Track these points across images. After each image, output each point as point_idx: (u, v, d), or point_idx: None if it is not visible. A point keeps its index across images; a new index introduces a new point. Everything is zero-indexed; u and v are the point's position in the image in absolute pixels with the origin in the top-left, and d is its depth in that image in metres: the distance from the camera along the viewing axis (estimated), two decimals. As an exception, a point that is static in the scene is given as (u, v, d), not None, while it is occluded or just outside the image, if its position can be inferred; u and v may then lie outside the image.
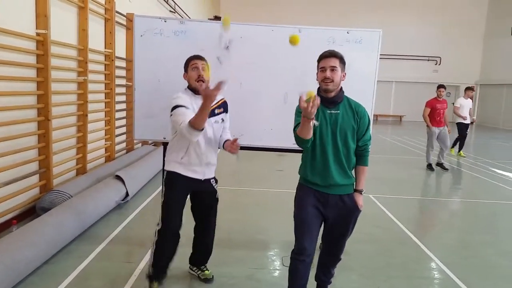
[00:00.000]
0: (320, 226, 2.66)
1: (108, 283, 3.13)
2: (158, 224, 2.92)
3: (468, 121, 9.66)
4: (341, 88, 2.60)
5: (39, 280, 3.13)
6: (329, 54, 2.52)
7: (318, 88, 2.57)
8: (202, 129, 2.61)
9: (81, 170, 5.71)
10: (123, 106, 7.56)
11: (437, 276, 3.58)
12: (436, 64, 22.48)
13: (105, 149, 6.71)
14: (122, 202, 5.07)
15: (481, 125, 21.77)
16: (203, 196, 3.06)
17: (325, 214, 2.61)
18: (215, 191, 3.09)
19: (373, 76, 3.53)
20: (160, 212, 2.91)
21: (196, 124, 2.55)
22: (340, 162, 2.56)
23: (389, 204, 5.73)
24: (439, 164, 8.45)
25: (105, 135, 6.67)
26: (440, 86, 8.28)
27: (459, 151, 10.26)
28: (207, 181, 3.00)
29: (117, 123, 7.11)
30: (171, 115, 2.75)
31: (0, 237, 3.60)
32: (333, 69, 2.49)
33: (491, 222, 5.28)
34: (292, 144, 3.58)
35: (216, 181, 3.10)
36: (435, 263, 3.81)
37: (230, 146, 2.80)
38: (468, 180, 7.86)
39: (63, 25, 5.14)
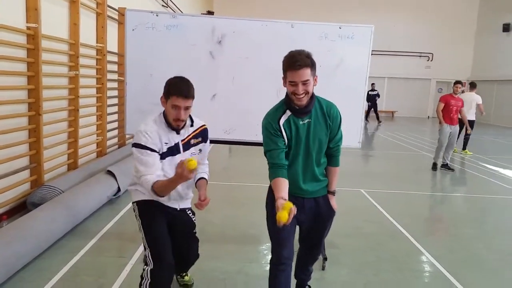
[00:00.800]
0: (295, 230, 2.51)
1: (99, 278, 3.12)
2: (147, 264, 2.37)
3: None
4: (313, 93, 2.34)
5: (30, 275, 3.12)
6: (299, 67, 2.16)
7: (287, 94, 2.33)
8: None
9: (72, 165, 5.68)
10: (115, 101, 7.51)
11: (427, 270, 3.62)
12: (428, 60, 22.58)
13: (97, 144, 6.67)
14: (114, 197, 5.06)
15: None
16: (180, 228, 2.68)
17: (300, 219, 2.44)
18: (194, 224, 2.77)
19: (365, 71, 3.54)
20: (147, 250, 2.41)
21: (160, 193, 2.28)
22: (312, 171, 2.43)
23: (380, 198, 5.78)
24: (444, 165, 8.00)
25: (97, 130, 6.63)
26: (457, 82, 7.89)
27: (464, 148, 10.18)
28: (183, 211, 2.69)
29: (109, 118, 7.06)
30: (133, 145, 2.40)
31: (-10, 232, 3.58)
32: (305, 82, 2.21)
33: (481, 217, 5.35)
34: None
35: (193, 213, 2.78)
36: (425, 257, 3.85)
37: (199, 203, 2.49)
38: (459, 175, 7.94)
39: (54, 19, 5.08)
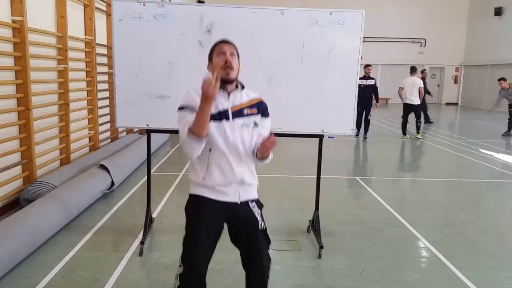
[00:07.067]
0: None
1: (95, 272, 3.10)
2: (180, 266, 2.18)
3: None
4: None
5: (26, 271, 3.10)
6: None
7: None
8: (203, 137, 2.03)
9: (64, 160, 5.62)
10: (106, 94, 7.43)
11: (423, 255, 3.64)
12: (421, 46, 22.55)
13: (89, 139, 6.61)
14: (108, 191, 5.02)
15: (466, 105, 22.02)
16: (241, 225, 2.27)
17: None
18: (256, 220, 2.25)
19: (356, 58, 3.50)
20: (182, 249, 2.21)
21: (196, 130, 1.99)
22: None
23: (375, 185, 5.79)
24: None
25: (88, 124, 6.56)
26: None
27: (418, 132, 10.39)
28: (245, 204, 2.25)
29: (100, 111, 6.99)
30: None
31: (-17, 230, 3.54)
32: None
33: (474, 201, 5.37)
34: (276, 128, 3.57)
35: (260, 205, 2.32)
36: (421, 242, 3.87)
37: (265, 141, 2.13)
38: (453, 160, 7.97)
39: (40, 12, 4.98)
